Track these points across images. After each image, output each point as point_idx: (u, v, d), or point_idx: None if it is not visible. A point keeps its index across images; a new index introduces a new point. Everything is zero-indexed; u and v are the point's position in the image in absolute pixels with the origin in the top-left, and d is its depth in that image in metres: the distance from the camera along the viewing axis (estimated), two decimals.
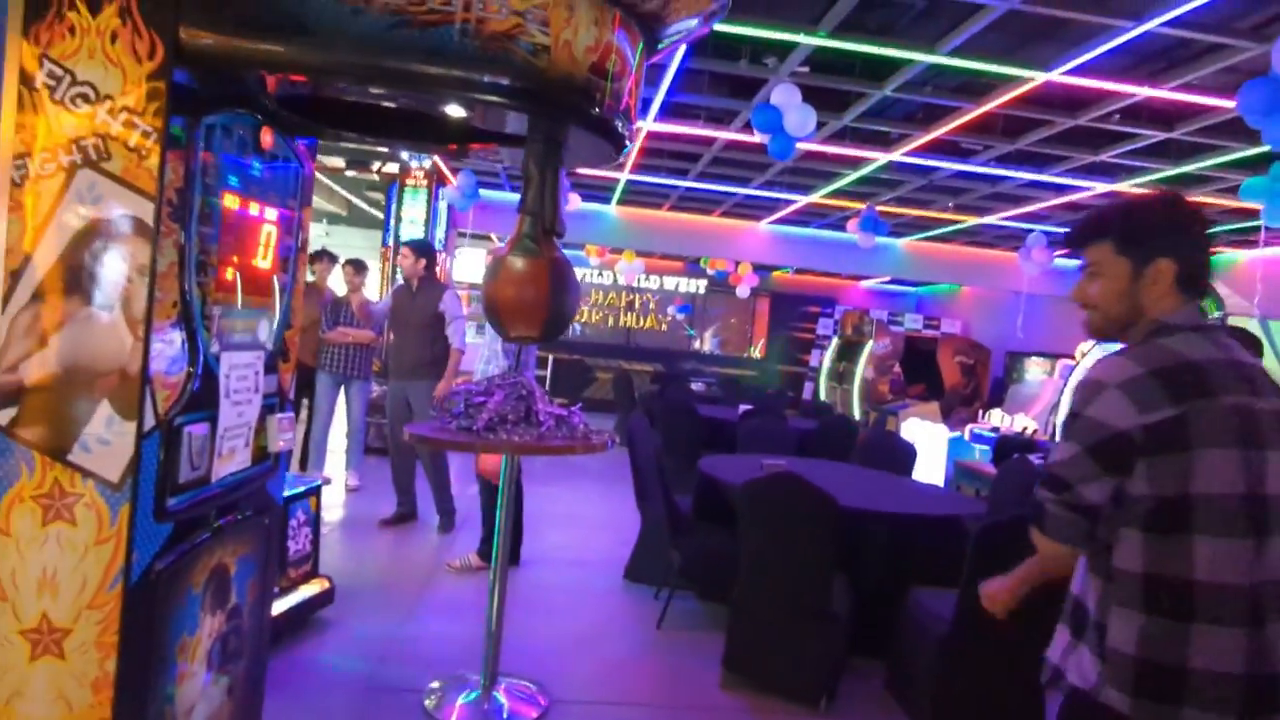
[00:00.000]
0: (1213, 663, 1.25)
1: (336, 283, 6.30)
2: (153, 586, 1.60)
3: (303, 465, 5.89)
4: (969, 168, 7.28)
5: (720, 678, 3.25)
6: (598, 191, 10.03)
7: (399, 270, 8.93)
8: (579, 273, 14.30)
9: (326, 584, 3.54)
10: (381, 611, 3.82)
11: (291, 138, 2.06)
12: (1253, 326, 7.05)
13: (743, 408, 7.31)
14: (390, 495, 5.26)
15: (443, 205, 9.38)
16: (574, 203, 8.56)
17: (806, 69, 5.24)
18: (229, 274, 1.86)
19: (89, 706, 1.53)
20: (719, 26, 4.35)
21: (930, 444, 7.86)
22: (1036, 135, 6.23)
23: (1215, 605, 1.26)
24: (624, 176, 8.92)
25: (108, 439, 1.52)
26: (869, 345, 11.48)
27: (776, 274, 15.42)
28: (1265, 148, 4.21)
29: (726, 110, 6.44)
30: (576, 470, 7.55)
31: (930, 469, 7.50)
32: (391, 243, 9.09)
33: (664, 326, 15.31)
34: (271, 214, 2.01)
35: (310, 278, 5.89)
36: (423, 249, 5.18)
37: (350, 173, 9.87)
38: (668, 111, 6.40)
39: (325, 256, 6.26)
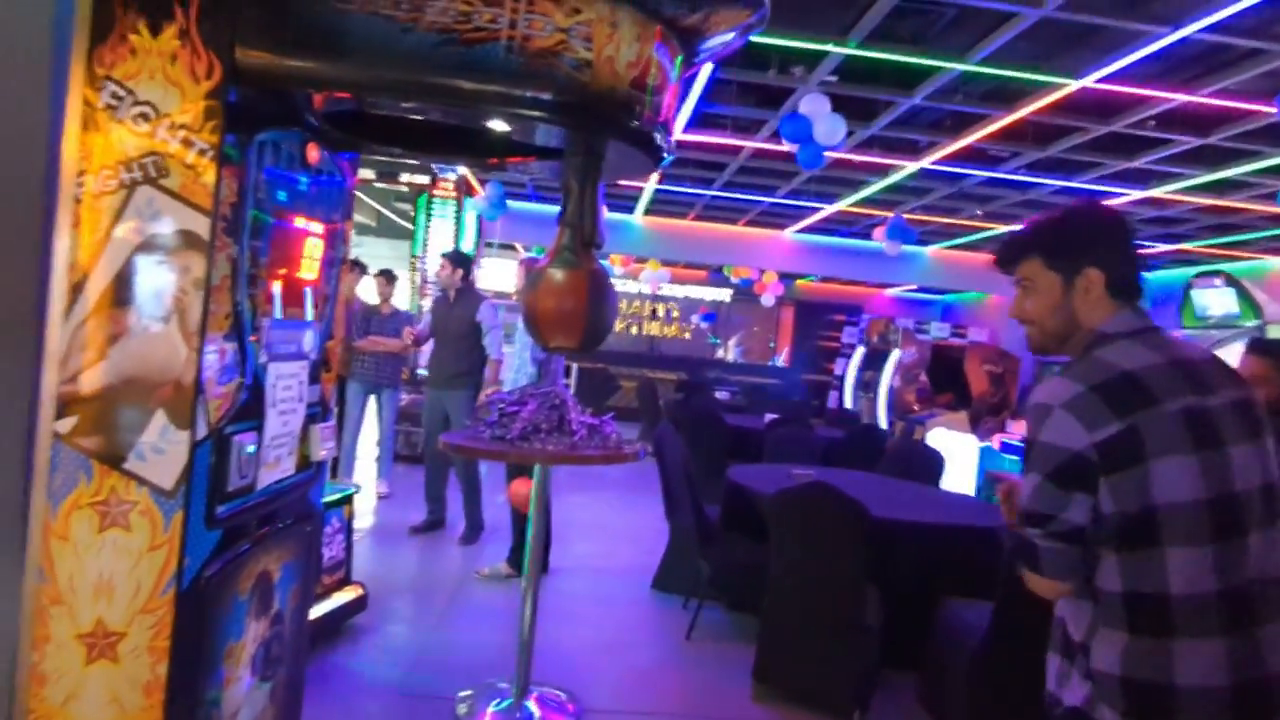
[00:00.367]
0: (1199, 678, 1.24)
1: (367, 292, 6.38)
2: (202, 592, 1.64)
3: (333, 473, 5.96)
4: (998, 175, 7.23)
5: (751, 689, 3.24)
6: (623, 201, 10.07)
7: (423, 278, 9.06)
8: None
9: (360, 591, 3.58)
10: (413, 619, 3.85)
11: (336, 153, 2.11)
12: None
13: (769, 417, 7.28)
14: (419, 502, 5.30)
15: (470, 216, 9.47)
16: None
17: (835, 78, 5.24)
18: (277, 286, 1.90)
19: (141, 710, 1.57)
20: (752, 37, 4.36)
21: (959, 453, 7.77)
22: (1068, 142, 6.17)
23: (1192, 617, 1.25)
24: (650, 186, 8.96)
25: (162, 448, 1.56)
26: (895, 354, 11.39)
27: (801, 282, 15.36)
28: None
29: (754, 119, 6.45)
30: (603, 479, 7.56)
31: (960, 479, 7.42)
32: (420, 253, 9.18)
33: (688, 335, 15.31)
34: (317, 227, 2.05)
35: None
36: (460, 259, 5.23)
37: (379, 184, 10.00)
38: (696, 121, 6.42)
39: (355, 266, 6.34)
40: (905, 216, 8.38)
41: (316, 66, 1.60)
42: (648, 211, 10.76)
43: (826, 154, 5.18)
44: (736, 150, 7.26)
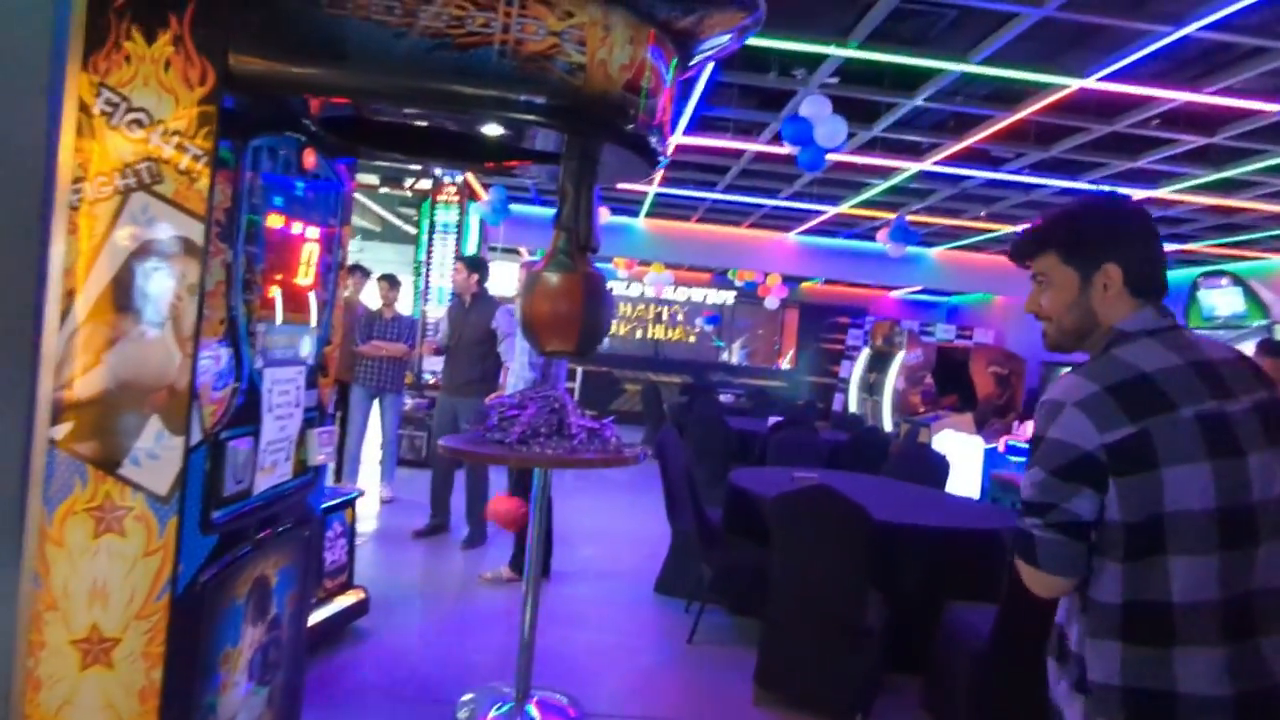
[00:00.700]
0: (1200, 686, 1.21)
1: (370, 297, 6.40)
2: (198, 598, 1.64)
3: (336, 477, 5.97)
4: (1001, 176, 7.21)
5: (753, 694, 3.22)
6: (626, 205, 10.08)
7: (427, 283, 9.07)
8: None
9: (362, 595, 3.58)
10: (415, 623, 3.85)
11: (332, 158, 2.11)
12: None
13: (772, 419, 7.27)
14: (423, 507, 5.31)
15: (474, 220, 9.49)
16: (603, 216, 8.62)
17: (836, 80, 5.23)
18: (272, 291, 1.90)
19: (136, 715, 1.57)
20: (748, 40, 4.36)
21: (965, 456, 7.74)
22: (1071, 142, 6.15)
23: (1193, 625, 1.22)
24: (653, 189, 8.97)
25: (157, 453, 1.56)
26: (900, 356, 11.37)
27: (805, 285, 15.35)
28: None
29: (755, 122, 6.45)
30: (605, 483, 7.56)
31: (965, 481, 7.39)
32: (424, 257, 9.20)
33: (692, 338, 15.31)
34: (313, 232, 2.06)
35: (345, 292, 5.99)
36: (476, 264, 5.21)
37: (384, 189, 10.03)
38: (697, 124, 6.42)
39: (358, 271, 6.36)
40: (908, 218, 8.36)
41: (310, 72, 1.60)
42: (650, 214, 10.76)
43: (828, 156, 5.17)
44: (738, 153, 7.26)
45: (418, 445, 7.26)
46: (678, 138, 6.63)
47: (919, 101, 5.42)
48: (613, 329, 14.94)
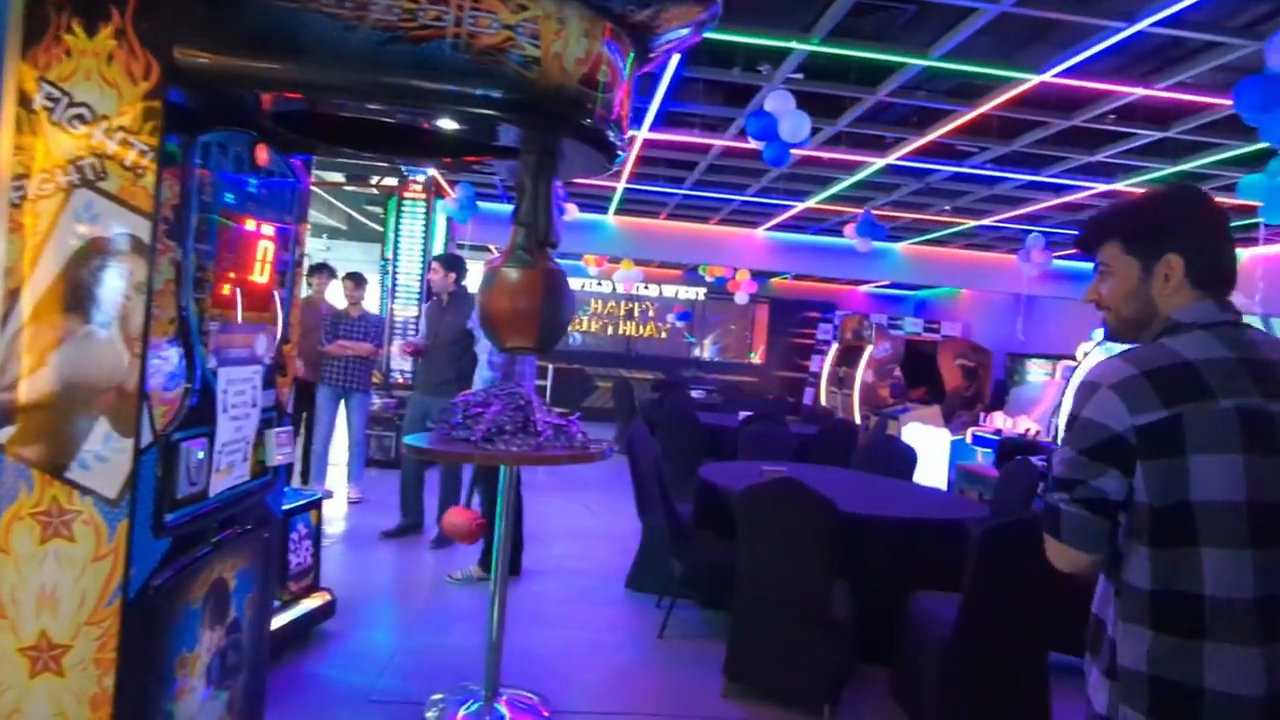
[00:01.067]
0: (1229, 684, 1.19)
1: (336, 296, 6.32)
2: (151, 602, 1.61)
3: (304, 479, 5.89)
4: (965, 170, 7.30)
5: (723, 687, 3.24)
6: (595, 201, 10.06)
7: (394, 281, 8.99)
8: (578, 282, 14.41)
9: (328, 597, 3.54)
10: (383, 624, 3.82)
11: (287, 154, 2.08)
12: (1255, 324, 7.05)
13: (743, 414, 7.31)
14: (392, 507, 5.26)
15: (441, 218, 9.41)
16: (571, 213, 8.58)
17: (800, 75, 5.26)
18: (226, 290, 1.87)
19: None
20: (712, 34, 4.37)
21: (933, 447, 7.85)
22: (1032, 136, 6.24)
23: (1227, 621, 1.20)
24: (621, 185, 8.95)
25: (105, 456, 1.53)
26: (869, 349, 11.49)
27: (775, 280, 15.44)
28: (1262, 144, 4.21)
29: (721, 117, 6.47)
30: (577, 480, 7.54)
31: (933, 472, 7.49)
32: (390, 255, 9.11)
33: (664, 334, 15.32)
34: (268, 229, 2.02)
35: (308, 291, 5.92)
36: (452, 263, 5.16)
37: (349, 187, 9.91)
38: (663, 120, 6.42)
39: (324, 270, 6.28)
40: (875, 213, 8.44)
41: (258, 66, 1.57)
42: (620, 211, 10.75)
43: (794, 151, 5.20)
44: (705, 148, 7.28)
45: (386, 445, 7.19)
46: (645, 133, 6.62)
47: (882, 96, 5.47)
48: (584, 326, 14.94)
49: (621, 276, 12.67)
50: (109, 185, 1.53)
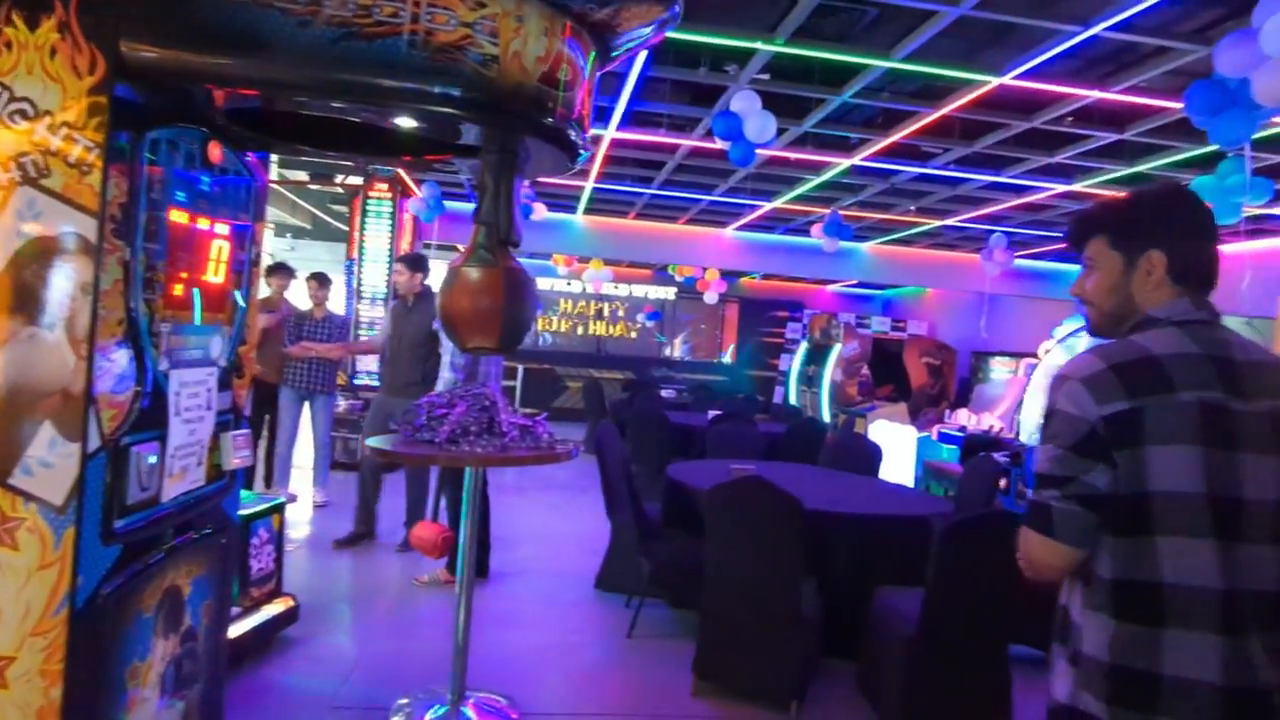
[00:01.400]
0: (1186, 669, 1.21)
1: (300, 297, 6.22)
2: (100, 611, 1.57)
3: (267, 482, 5.79)
4: (929, 170, 7.40)
5: (692, 685, 3.25)
6: (564, 201, 10.02)
7: (359, 281, 8.87)
8: (547, 282, 14.35)
9: (291, 603, 3.48)
10: (348, 629, 3.77)
11: (242, 151, 2.04)
12: (1235, 325, 7.22)
13: (712, 413, 7.33)
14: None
15: (407, 217, 9.31)
16: (540, 212, 8.54)
17: (766, 76, 5.29)
18: (179, 290, 1.82)
19: None
20: (677, 34, 4.38)
21: (899, 444, 7.95)
22: (994, 138, 6.34)
23: (1185, 609, 1.22)
24: (589, 185, 8.93)
25: (50, 461, 1.49)
26: (837, 348, 11.59)
27: (744, 279, 15.51)
28: (1213, 147, 4.32)
29: (688, 117, 6.48)
30: (548, 481, 7.51)
31: (899, 469, 7.58)
32: (355, 255, 8.99)
33: (634, 334, 15.32)
34: (222, 228, 1.98)
35: (266, 291, 5.80)
36: (417, 263, 5.07)
37: (314, 186, 9.76)
38: (630, 119, 6.42)
39: (282, 270, 6.15)
40: (841, 213, 8.51)
41: (207, 61, 1.54)
42: (588, 210, 10.73)
43: (761, 151, 5.22)
44: (673, 148, 7.29)
45: (352, 448, 7.10)
46: (612, 132, 6.61)
47: (847, 97, 5.52)
48: (554, 326, 14.87)
49: (591, 276, 12.64)
50: (52, 183, 1.49)
